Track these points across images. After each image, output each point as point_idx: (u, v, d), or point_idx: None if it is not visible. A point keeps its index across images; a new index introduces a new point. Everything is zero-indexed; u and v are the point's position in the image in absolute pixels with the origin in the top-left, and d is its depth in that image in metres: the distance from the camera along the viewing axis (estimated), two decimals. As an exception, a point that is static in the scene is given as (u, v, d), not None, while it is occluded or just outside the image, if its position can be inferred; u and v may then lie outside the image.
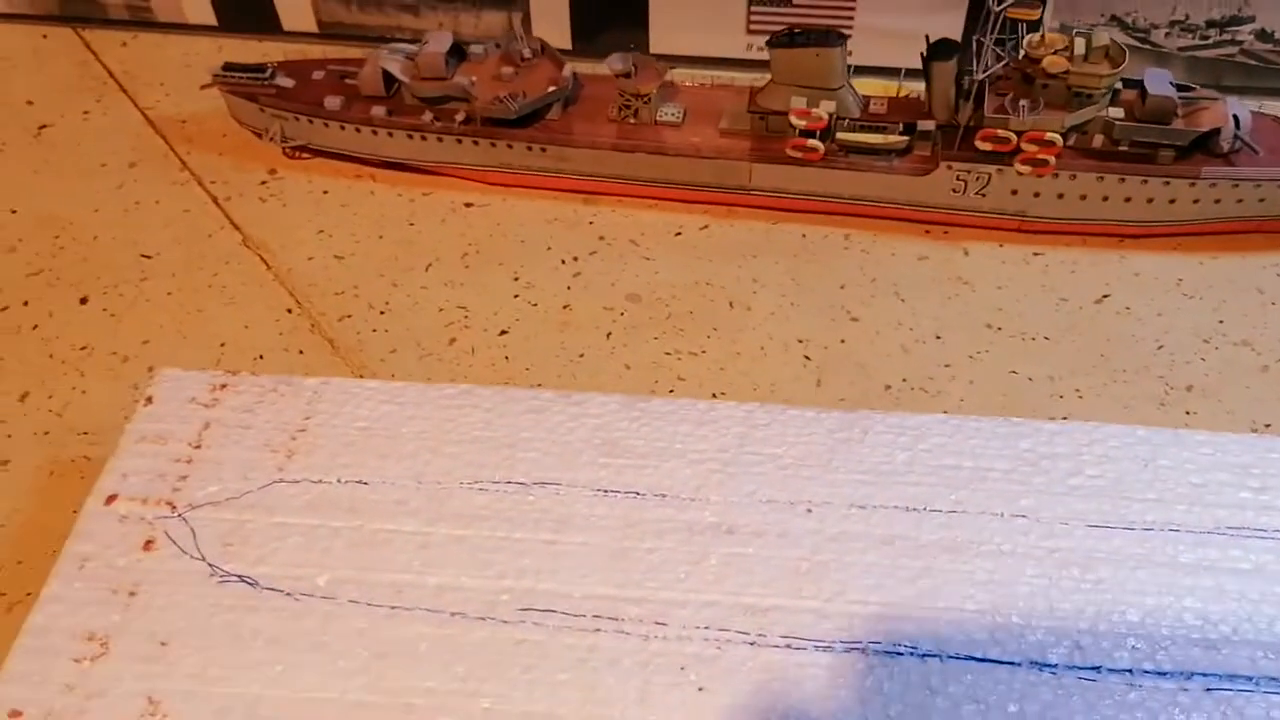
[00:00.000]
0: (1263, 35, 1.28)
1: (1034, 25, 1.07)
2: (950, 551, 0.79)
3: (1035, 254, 1.17)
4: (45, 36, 1.45)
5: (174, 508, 0.81)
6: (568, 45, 1.41)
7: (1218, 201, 1.10)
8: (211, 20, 1.44)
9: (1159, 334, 1.09)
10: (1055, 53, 1.06)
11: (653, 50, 1.40)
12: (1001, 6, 1.03)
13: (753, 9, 1.34)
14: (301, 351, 1.08)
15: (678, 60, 1.40)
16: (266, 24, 1.43)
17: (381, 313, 1.12)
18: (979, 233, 1.19)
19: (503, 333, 1.11)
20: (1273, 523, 0.79)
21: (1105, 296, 1.13)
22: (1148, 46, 1.31)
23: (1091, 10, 1.28)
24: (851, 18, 1.33)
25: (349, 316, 1.12)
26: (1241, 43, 1.29)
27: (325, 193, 1.25)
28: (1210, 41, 1.30)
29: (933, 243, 1.19)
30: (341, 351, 1.09)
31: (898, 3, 1.30)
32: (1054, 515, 0.80)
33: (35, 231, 1.20)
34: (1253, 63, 1.31)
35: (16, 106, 1.35)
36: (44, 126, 1.32)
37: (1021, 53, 1.07)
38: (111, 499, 0.82)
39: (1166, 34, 1.30)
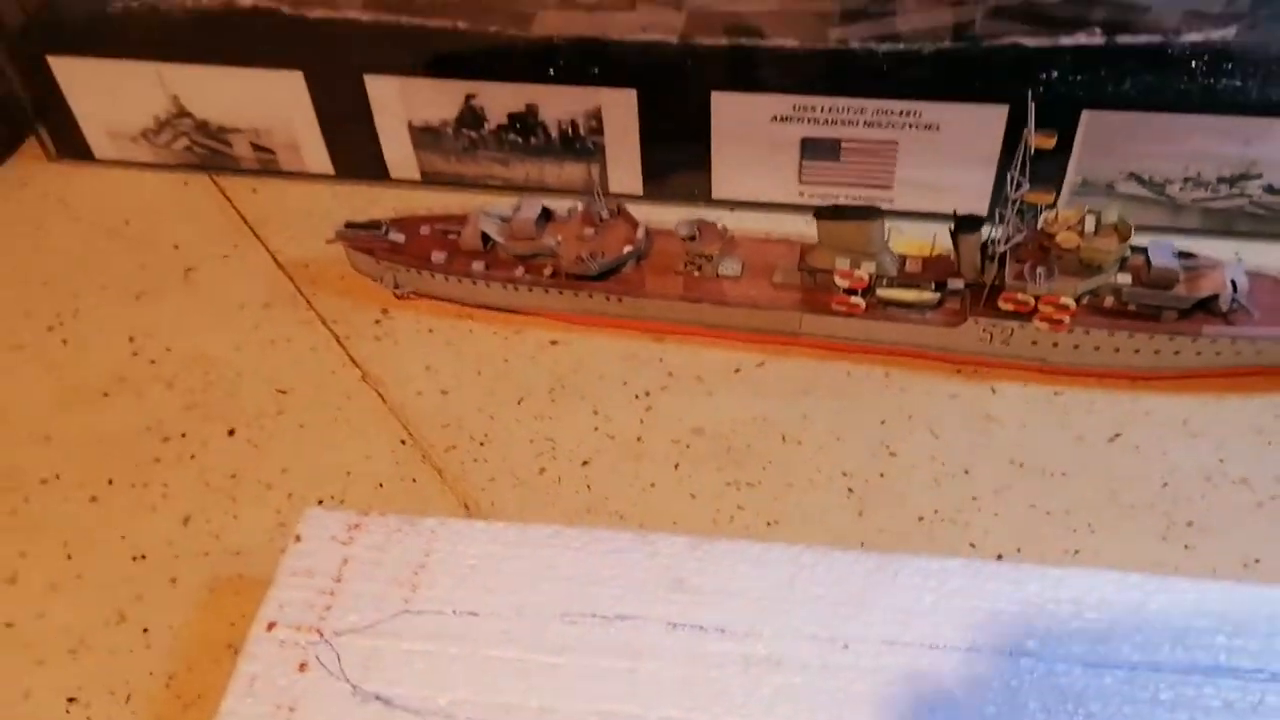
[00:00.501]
0: (1270, 190, 1.42)
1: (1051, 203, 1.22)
2: (966, 685, 0.93)
3: (1056, 394, 1.31)
4: (186, 184, 1.69)
5: (321, 634, 0.99)
6: (639, 190, 1.60)
7: (1219, 354, 1.23)
8: (329, 169, 1.66)
9: (1165, 472, 1.22)
10: (1069, 228, 1.21)
11: (715, 195, 1.58)
12: (1018, 193, 1.19)
13: (804, 163, 1.52)
14: (415, 480, 1.27)
15: (737, 205, 1.59)
16: (377, 172, 1.65)
17: (481, 444, 1.31)
18: (1006, 373, 1.33)
19: (585, 463, 1.28)
20: (1241, 664, 0.92)
21: (1117, 435, 1.26)
22: (1164, 199, 1.45)
23: (1112, 168, 1.43)
24: (893, 172, 1.50)
25: (454, 448, 1.30)
26: (1251, 195, 1.42)
27: (431, 331, 1.45)
28: (1221, 195, 1.43)
29: (964, 381, 1.34)
30: (448, 480, 1.27)
31: (934, 160, 1.47)
32: (1055, 654, 0.94)
33: (188, 368, 1.41)
34: (1262, 212, 1.44)
35: (166, 251, 1.58)
36: (190, 269, 1.55)
37: (1039, 226, 1.22)
38: (272, 625, 1.00)
39: (1180, 188, 1.43)
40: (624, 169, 1.58)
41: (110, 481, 1.29)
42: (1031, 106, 1.17)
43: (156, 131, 1.65)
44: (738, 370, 1.38)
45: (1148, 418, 1.28)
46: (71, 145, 1.70)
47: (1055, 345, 1.27)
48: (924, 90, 1.43)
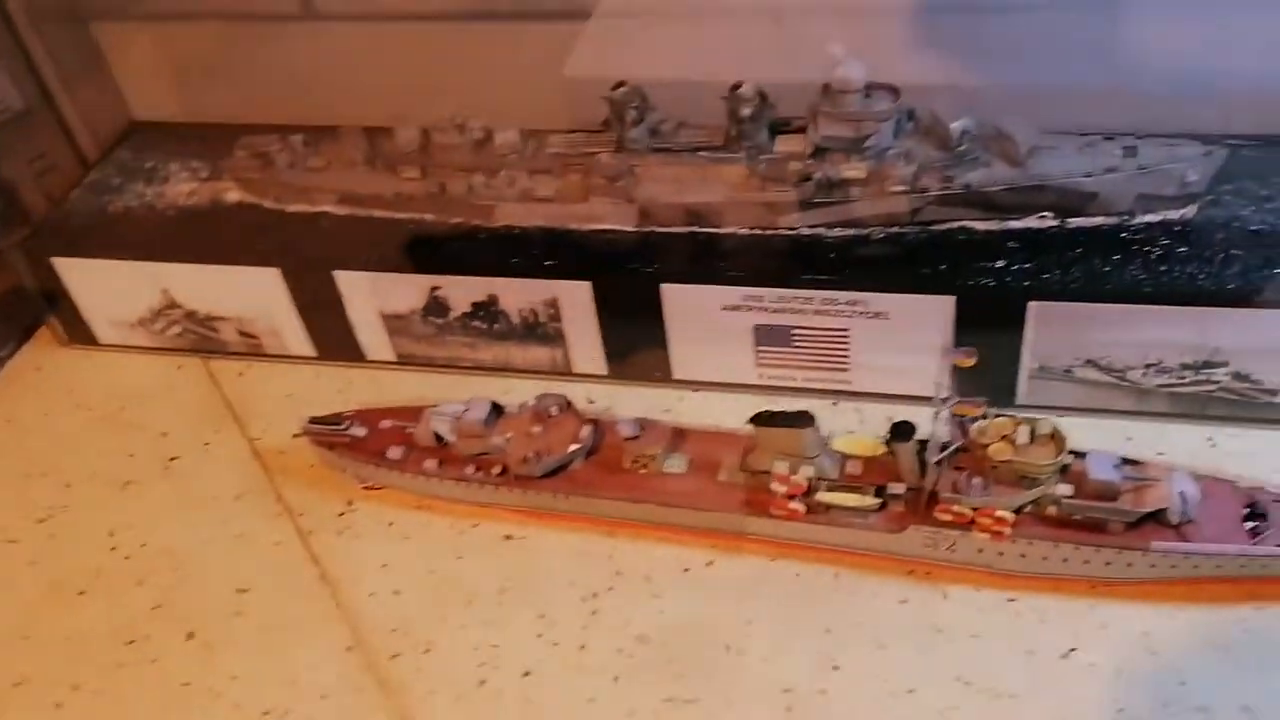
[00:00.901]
0: (1239, 376, 1.37)
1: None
2: None
3: (1010, 600, 1.27)
4: (180, 367, 1.77)
5: None
6: (604, 370, 1.62)
7: (1174, 567, 1.18)
8: (312, 351, 1.73)
9: (1120, 696, 1.17)
10: (1003, 438, 1.19)
11: (676, 375, 1.60)
12: (945, 406, 1.17)
13: (759, 348, 1.52)
14: (359, 690, 1.28)
15: (699, 385, 1.60)
16: (355, 354, 1.71)
17: (425, 651, 1.31)
18: (958, 575, 1.29)
19: (525, 674, 1.28)
20: None
21: (1072, 650, 1.21)
22: (1126, 384, 1.41)
23: (1067, 355, 1.40)
24: (847, 356, 1.50)
25: (398, 655, 1.31)
26: (1219, 381, 1.38)
27: (391, 524, 1.47)
28: (1187, 380, 1.39)
29: (915, 584, 1.30)
30: (389, 692, 1.28)
31: (886, 346, 1.46)
32: None
33: (159, 564, 1.46)
34: (1234, 397, 1.39)
35: (154, 438, 1.65)
36: (173, 458, 1.61)
37: (972, 435, 1.20)
38: None
39: (1143, 374, 1.40)
40: (586, 351, 1.61)
41: (75, 687, 1.33)
42: (948, 329, 1.16)
43: (151, 320, 1.75)
44: (686, 569, 1.37)
45: (1104, 631, 1.22)
46: (79, 332, 1.81)
47: (1001, 554, 1.23)
48: (871, 280, 1.43)
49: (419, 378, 1.69)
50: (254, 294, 1.66)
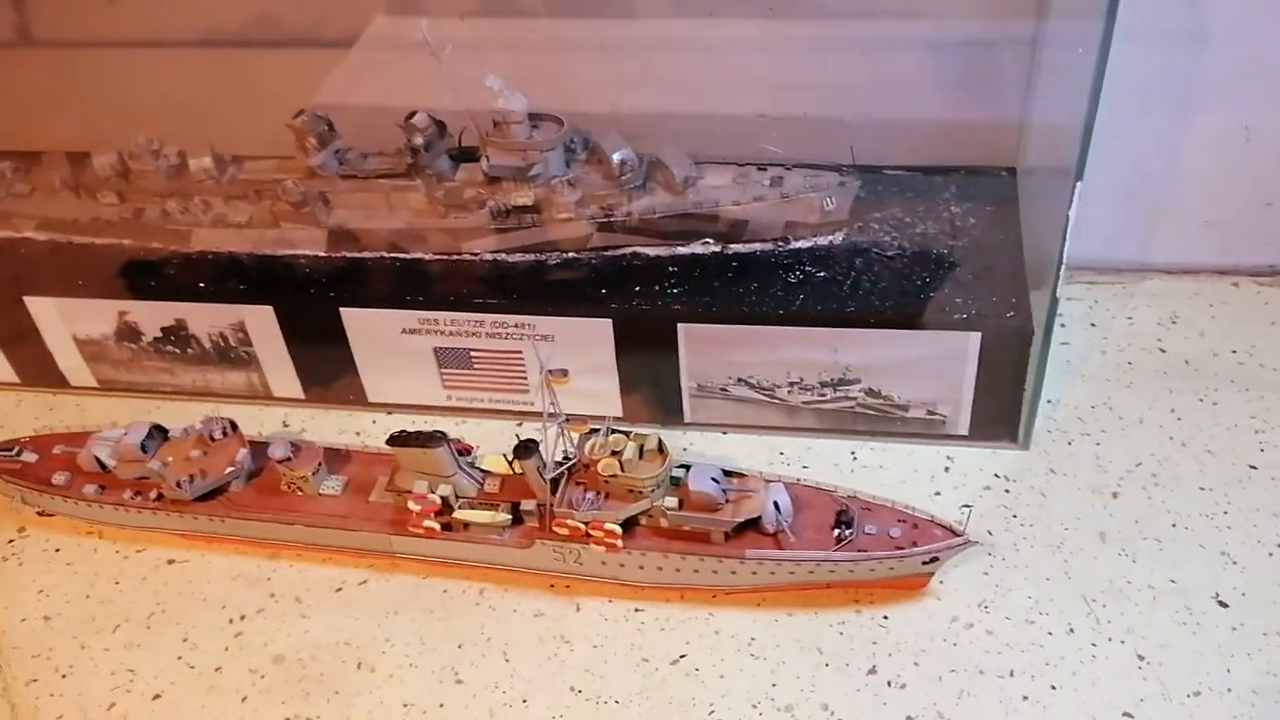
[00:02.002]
0: (871, 393, 1.45)
1: (597, 430, 1.26)
2: None
3: (637, 610, 1.32)
4: (-122, 396, 1.74)
5: None
6: (301, 394, 1.63)
7: (772, 574, 1.24)
8: (14, 378, 1.71)
9: (715, 698, 1.21)
10: (612, 454, 1.24)
11: (370, 399, 1.62)
12: (554, 424, 1.22)
13: (443, 371, 1.56)
14: (-16, 718, 1.27)
15: (394, 408, 1.62)
16: (57, 380, 1.69)
17: (63, 676, 1.30)
18: (594, 588, 1.34)
19: (156, 697, 1.28)
20: None
21: (682, 656, 1.26)
22: (777, 401, 1.48)
23: (720, 374, 1.47)
24: (525, 377, 1.54)
25: (36, 680, 1.30)
26: (855, 398, 1.46)
27: (58, 550, 1.46)
28: (829, 398, 1.47)
29: (553, 598, 1.34)
30: (19, 716, 1.26)
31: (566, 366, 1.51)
32: None
33: None
34: (871, 413, 1.47)
35: None
36: None
37: (585, 453, 1.25)
38: None
39: (789, 392, 1.47)
40: (281, 376, 1.62)
41: None
42: (536, 349, 1.23)
43: None
44: (339, 589, 1.38)
45: (716, 637, 1.27)
46: None
47: (622, 565, 1.28)
48: (546, 303, 1.48)
49: (121, 403, 1.67)
50: (-56, 320, 1.65)
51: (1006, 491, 1.42)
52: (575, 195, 1.49)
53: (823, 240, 1.51)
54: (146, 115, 1.71)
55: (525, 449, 1.28)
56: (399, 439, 1.30)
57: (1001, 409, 1.45)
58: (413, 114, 1.50)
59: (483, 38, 1.64)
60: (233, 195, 1.61)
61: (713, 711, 1.20)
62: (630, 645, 1.28)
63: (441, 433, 1.30)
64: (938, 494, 1.41)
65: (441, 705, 1.24)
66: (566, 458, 1.26)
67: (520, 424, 1.58)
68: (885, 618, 1.28)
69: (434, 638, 1.31)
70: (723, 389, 1.49)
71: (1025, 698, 1.20)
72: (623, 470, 1.22)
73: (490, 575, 1.37)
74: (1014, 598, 1.29)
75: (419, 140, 1.49)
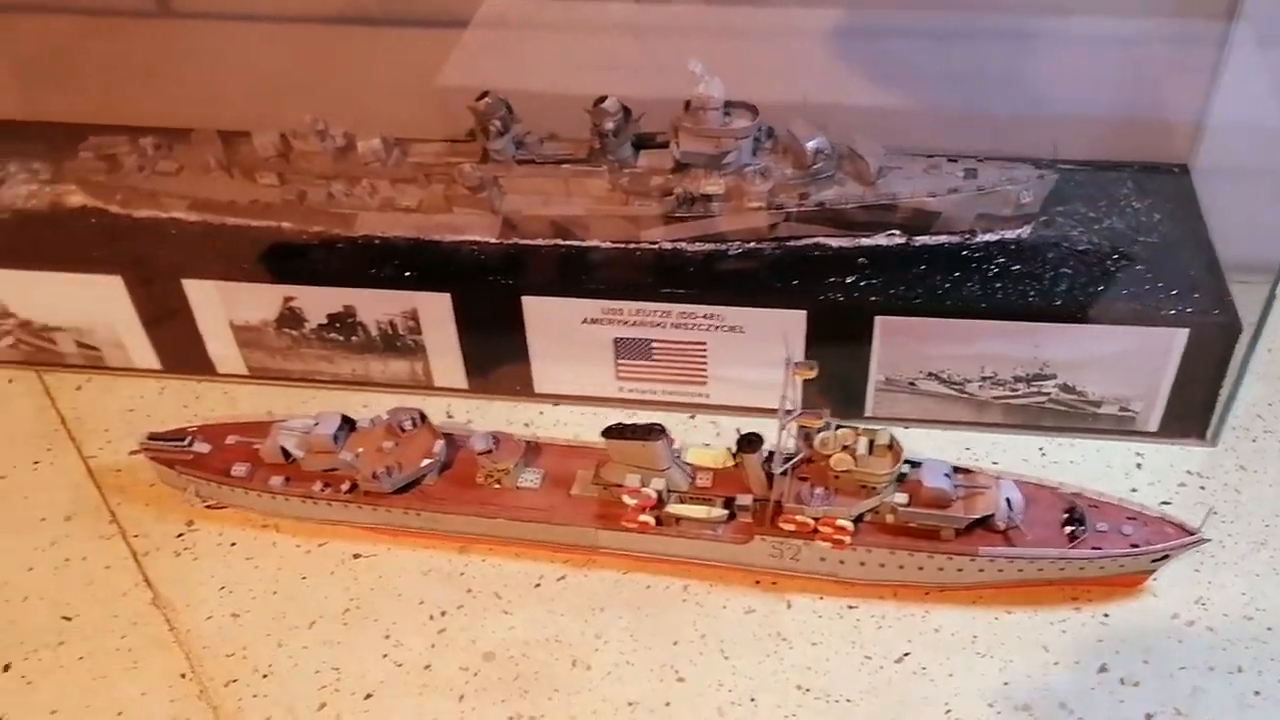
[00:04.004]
0: (1066, 388, 1.44)
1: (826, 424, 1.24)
2: None
3: (850, 607, 1.30)
4: (11, 381, 1.66)
5: None
6: (464, 384, 1.60)
7: (1000, 571, 1.23)
8: (157, 365, 1.65)
9: (949, 696, 1.21)
10: (843, 449, 1.22)
11: (537, 389, 1.59)
12: (789, 418, 1.20)
13: (619, 362, 1.53)
14: (192, 719, 1.23)
15: (560, 399, 1.59)
16: (204, 367, 1.64)
17: (264, 676, 1.27)
18: (802, 584, 1.32)
19: (368, 696, 1.24)
20: None
21: (905, 655, 1.25)
22: (966, 396, 1.47)
23: (912, 368, 1.45)
24: (705, 370, 1.51)
25: (235, 681, 1.26)
26: (1049, 394, 1.45)
27: (233, 545, 1.42)
28: (1020, 393, 1.46)
29: (760, 595, 1.32)
30: (223, 718, 1.23)
31: (742, 359, 1.48)
32: None
33: (-26, 591, 1.37)
34: (1063, 409, 1.46)
35: (-24, 459, 1.56)
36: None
37: (815, 446, 1.23)
38: None
39: (980, 386, 1.46)
40: (446, 365, 1.58)
41: (-125, 724, 1.24)
42: (787, 340, 1.20)
43: (-19, 330, 1.65)
44: (538, 584, 1.36)
45: (936, 635, 1.26)
46: (-106, 342, 1.70)
47: (842, 562, 1.26)
48: (729, 294, 1.46)
49: (273, 391, 1.63)
50: (94, 304, 1.58)
51: (1202, 488, 1.42)
52: (767, 185, 1.46)
53: (1010, 234, 1.49)
54: (270, 91, 1.67)
55: (749, 442, 1.25)
56: (616, 431, 1.27)
57: (1194, 406, 1.44)
58: (602, 99, 1.47)
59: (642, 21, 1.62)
60: (399, 178, 1.57)
61: (949, 710, 1.19)
62: (850, 643, 1.26)
63: (660, 426, 1.27)
64: (1134, 490, 1.40)
65: (668, 704, 1.22)
66: (792, 454, 1.24)
67: (693, 416, 1.56)
68: (1106, 615, 1.27)
69: (645, 634, 1.29)
70: (911, 383, 1.47)
71: (1257, 693, 1.20)
72: (856, 465, 1.21)
73: (692, 571, 1.35)
74: (1228, 594, 1.29)
75: (609, 125, 1.46)
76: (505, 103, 1.51)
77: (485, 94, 1.49)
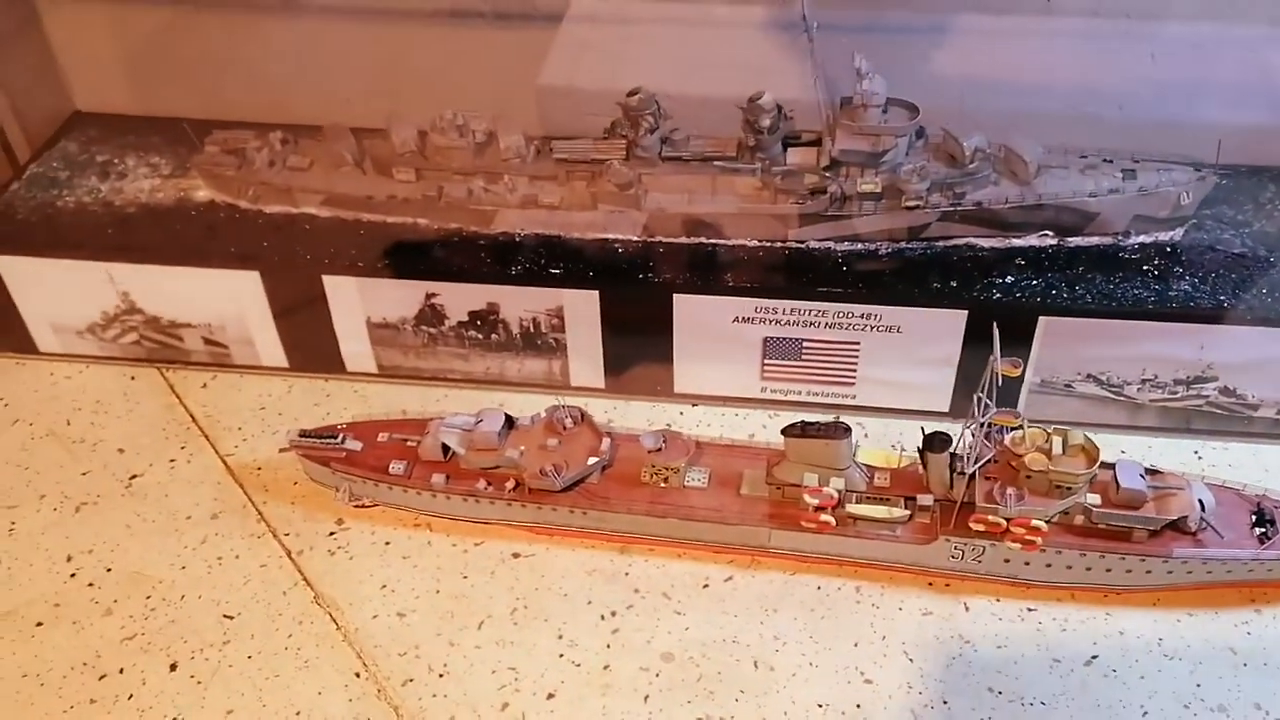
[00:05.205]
0: (1226, 391, 1.44)
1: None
2: None
3: (1029, 609, 1.29)
4: (133, 379, 1.63)
5: None
6: (600, 384, 1.58)
7: (1190, 572, 1.22)
8: (284, 363, 1.62)
9: (1143, 699, 1.20)
10: (1036, 449, 1.21)
11: (676, 389, 1.57)
12: (986, 417, 1.19)
13: (766, 361, 1.52)
14: (374, 718, 1.20)
15: (699, 399, 1.58)
16: (333, 365, 1.61)
17: (441, 676, 1.24)
18: (978, 586, 1.31)
19: (550, 696, 1.22)
20: None
21: (1094, 658, 1.24)
22: (1122, 398, 1.47)
23: (1069, 369, 1.45)
24: (855, 370, 1.50)
25: (411, 680, 1.24)
26: (1207, 396, 1.45)
27: (388, 544, 1.39)
28: (1179, 396, 1.45)
29: (936, 596, 1.31)
30: (406, 718, 1.20)
31: (895, 360, 1.47)
32: None
33: (128, 591, 1.33)
34: (1219, 412, 1.46)
35: (109, 455, 1.51)
36: (134, 476, 1.48)
37: (1006, 444, 1.22)
38: None
39: (1138, 389, 1.45)
40: (586, 364, 1.56)
41: (39, 727, 1.20)
42: (996, 334, 1.18)
43: (104, 326, 1.60)
44: (706, 585, 1.34)
45: (1122, 638, 1.25)
46: (14, 339, 1.64)
47: (1027, 564, 1.25)
48: (878, 294, 1.45)
49: (404, 390, 1.60)
50: (228, 299, 1.55)
51: (1361, 491, 1.42)
52: (924, 184, 1.45)
53: (1164, 236, 1.49)
54: (377, 91, 1.65)
55: (937, 441, 1.24)
56: (798, 430, 1.26)
57: (1351, 408, 1.45)
58: (758, 95, 1.45)
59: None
60: (539, 175, 1.55)
61: (1146, 713, 1.18)
62: (1035, 646, 1.25)
63: (846, 425, 1.26)
64: (1295, 493, 1.41)
65: (858, 706, 1.20)
66: (983, 453, 1.23)
67: (837, 418, 1.54)
68: (1289, 617, 1.27)
69: (824, 636, 1.27)
70: (1067, 385, 1.46)
71: None
72: (1051, 465, 1.20)
73: (862, 572, 1.33)
74: (1405, 595, 1.30)
75: (765, 121, 1.45)
76: (655, 99, 1.50)
77: (637, 90, 1.47)
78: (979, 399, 1.20)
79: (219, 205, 1.61)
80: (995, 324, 1.19)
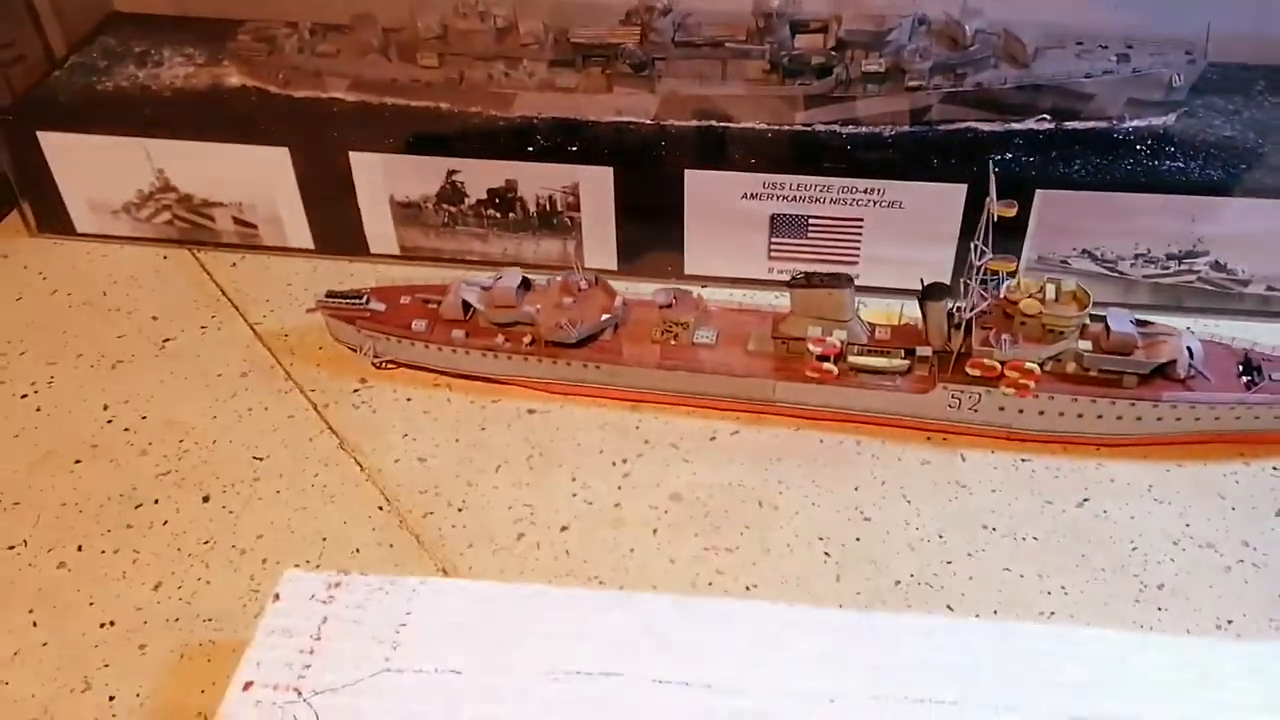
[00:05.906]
0: (1217, 266, 1.49)
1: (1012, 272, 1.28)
2: (951, 740, 0.93)
3: (1023, 460, 1.35)
4: (166, 258, 1.70)
5: (299, 693, 0.97)
6: (614, 266, 1.64)
7: (1179, 419, 1.28)
8: (310, 244, 1.69)
9: (1133, 535, 1.25)
10: (1030, 296, 1.26)
11: (687, 271, 1.63)
12: (982, 261, 1.25)
13: (773, 240, 1.57)
14: (392, 545, 1.26)
15: (708, 280, 1.63)
16: (357, 247, 1.68)
17: (459, 510, 1.30)
18: (974, 440, 1.36)
19: (563, 529, 1.28)
20: (1222, 717, 0.93)
21: (1085, 501, 1.29)
22: (1116, 274, 1.52)
23: (1066, 245, 1.50)
24: (858, 248, 1.56)
25: (431, 513, 1.30)
26: (1198, 272, 1.50)
27: (409, 400, 1.45)
28: (1171, 271, 1.51)
29: (934, 449, 1.37)
30: (426, 545, 1.26)
31: (898, 236, 1.53)
32: (1038, 710, 0.95)
33: (163, 436, 1.40)
34: (1209, 288, 1.51)
35: (143, 322, 1.58)
36: (167, 340, 1.55)
37: (1002, 294, 1.28)
38: (249, 685, 0.98)
39: (1131, 264, 1.51)
40: (600, 245, 1.62)
41: (80, 548, 1.26)
42: (993, 176, 1.24)
43: (139, 205, 1.67)
44: (713, 438, 1.40)
45: (1112, 485, 1.31)
46: (53, 220, 1.72)
47: (1021, 412, 1.31)
48: (887, 170, 1.50)
49: (425, 270, 1.66)
50: (259, 175, 1.61)
51: (1348, 364, 1.47)
52: (926, 64, 1.51)
53: (1157, 120, 1.55)
54: None
55: (935, 290, 1.30)
56: (803, 280, 1.32)
57: (1339, 286, 1.50)
58: (769, -20, 1.52)
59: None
60: (557, 60, 1.61)
61: (1135, 548, 1.23)
62: (1029, 491, 1.30)
63: (849, 275, 1.32)
64: (1283, 365, 1.46)
65: (858, 539, 1.26)
66: (974, 304, 1.28)
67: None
68: (1275, 468, 1.32)
69: (826, 480, 1.33)
70: (1063, 261, 1.52)
71: None
72: (1045, 310, 1.25)
73: (863, 428, 1.39)
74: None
75: (774, 3, 1.51)
76: (670, -14, 1.56)
77: (653, -26, 1.54)
78: (975, 245, 1.25)
79: (250, 89, 1.67)
80: (991, 163, 1.24)
